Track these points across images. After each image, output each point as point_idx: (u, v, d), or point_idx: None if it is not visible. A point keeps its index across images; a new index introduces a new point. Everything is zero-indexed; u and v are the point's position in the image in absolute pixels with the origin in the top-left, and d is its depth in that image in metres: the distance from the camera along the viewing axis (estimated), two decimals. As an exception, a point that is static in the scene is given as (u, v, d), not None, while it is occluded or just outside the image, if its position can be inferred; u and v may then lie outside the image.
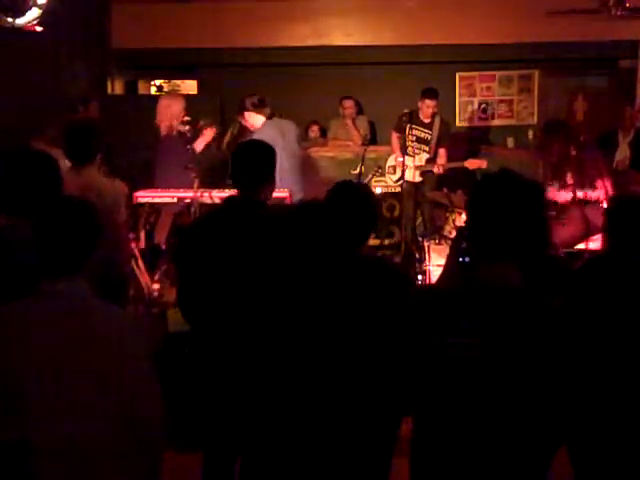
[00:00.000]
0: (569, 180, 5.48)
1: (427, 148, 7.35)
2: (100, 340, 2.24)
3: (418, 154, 7.38)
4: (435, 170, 7.23)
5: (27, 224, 2.83)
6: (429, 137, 7.35)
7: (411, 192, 7.35)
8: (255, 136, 6.21)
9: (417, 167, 7.34)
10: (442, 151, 7.35)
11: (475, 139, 8.77)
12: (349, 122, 8.41)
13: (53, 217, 2.31)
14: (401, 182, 7.16)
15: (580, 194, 5.40)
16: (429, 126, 7.35)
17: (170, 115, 6.27)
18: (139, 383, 2.28)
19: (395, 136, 7.41)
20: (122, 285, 3.50)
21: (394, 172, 7.50)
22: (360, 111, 8.75)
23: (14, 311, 2.28)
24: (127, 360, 2.26)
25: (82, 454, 2.23)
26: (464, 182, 7.41)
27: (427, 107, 7.26)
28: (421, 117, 7.33)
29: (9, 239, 2.95)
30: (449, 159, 7.31)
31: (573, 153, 5.44)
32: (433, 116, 7.34)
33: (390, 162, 7.73)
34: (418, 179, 7.37)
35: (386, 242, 7.35)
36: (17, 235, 2.93)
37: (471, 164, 7.20)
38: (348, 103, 8.43)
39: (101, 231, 2.37)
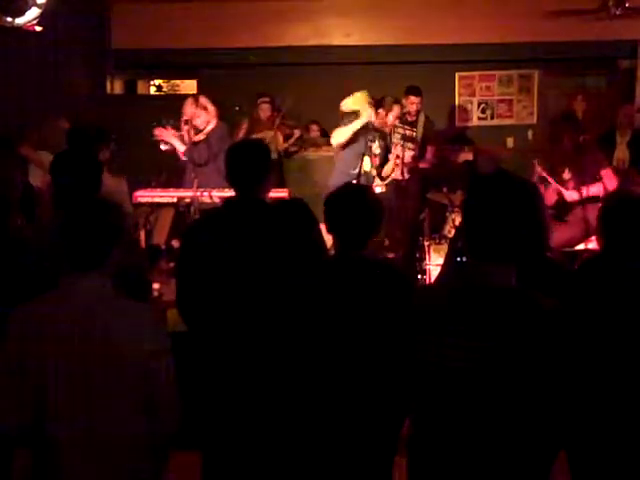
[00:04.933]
0: (566, 176, 5.50)
1: (413, 146, 7.42)
2: (119, 334, 2.30)
3: (405, 152, 7.44)
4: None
5: (41, 226, 2.93)
6: (414, 134, 7.41)
7: (399, 190, 7.40)
8: None
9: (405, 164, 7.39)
10: (430, 149, 7.47)
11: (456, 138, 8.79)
12: None
13: (77, 213, 2.42)
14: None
15: (582, 192, 5.41)
16: (414, 124, 7.44)
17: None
18: (160, 375, 2.35)
19: None
20: (142, 283, 3.53)
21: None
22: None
23: (41, 305, 2.36)
24: (146, 354, 2.32)
25: (99, 445, 2.30)
26: (448, 180, 7.51)
27: (411, 104, 7.38)
28: (405, 115, 7.42)
29: (22, 239, 3.09)
30: (438, 157, 7.41)
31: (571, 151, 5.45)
32: (417, 114, 7.43)
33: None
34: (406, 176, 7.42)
35: (386, 242, 7.34)
36: (30, 236, 3.02)
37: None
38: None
39: (122, 228, 2.49)
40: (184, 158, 6.11)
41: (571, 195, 5.52)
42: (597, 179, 5.40)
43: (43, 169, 6.31)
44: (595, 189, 5.40)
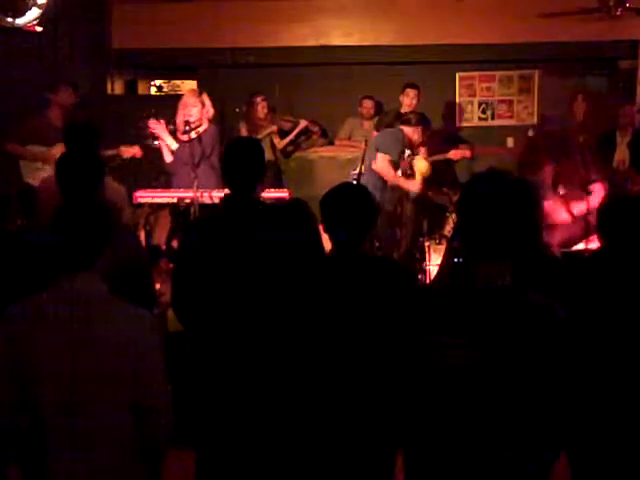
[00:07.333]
0: (561, 191, 5.50)
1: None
2: (108, 336, 2.30)
3: None
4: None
5: (41, 226, 2.94)
6: None
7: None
8: None
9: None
10: (422, 149, 7.41)
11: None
12: (366, 123, 8.38)
13: (68, 214, 2.40)
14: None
15: (581, 207, 5.41)
16: None
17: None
18: (150, 378, 2.34)
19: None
20: (145, 285, 3.53)
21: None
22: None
23: (31, 306, 2.36)
24: (138, 355, 2.31)
25: (91, 446, 2.29)
26: (445, 178, 7.48)
27: (406, 96, 7.41)
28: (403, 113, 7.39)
29: (23, 239, 3.11)
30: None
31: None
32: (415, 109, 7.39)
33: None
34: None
35: (376, 243, 7.32)
36: (31, 236, 3.04)
37: (454, 155, 7.21)
38: (368, 103, 8.36)
39: (113, 228, 2.46)
40: (168, 160, 6.05)
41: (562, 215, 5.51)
42: (587, 193, 5.38)
43: (36, 163, 6.32)
44: (581, 207, 5.38)
